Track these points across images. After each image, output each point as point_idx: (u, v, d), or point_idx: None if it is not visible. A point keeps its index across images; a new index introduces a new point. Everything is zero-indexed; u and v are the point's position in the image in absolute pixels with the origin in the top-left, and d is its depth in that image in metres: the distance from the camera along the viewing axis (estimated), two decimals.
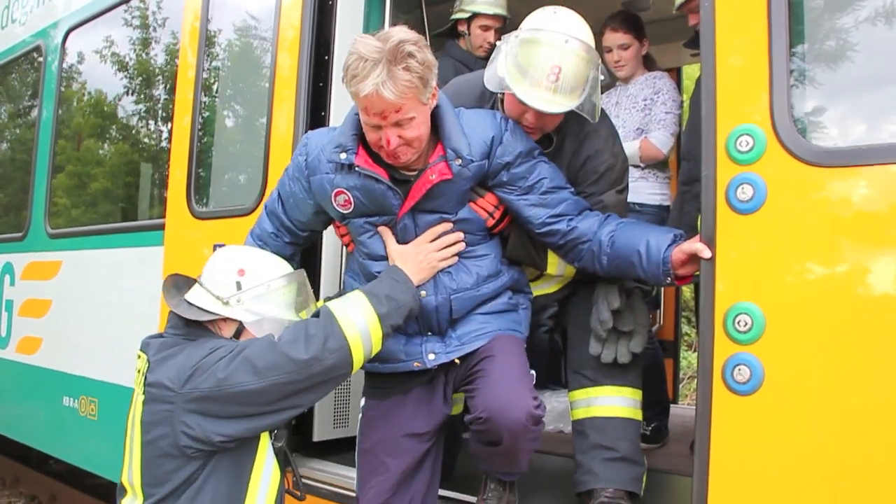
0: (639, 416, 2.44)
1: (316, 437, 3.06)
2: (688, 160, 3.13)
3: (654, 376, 3.52)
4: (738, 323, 1.86)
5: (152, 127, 4.62)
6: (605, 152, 2.40)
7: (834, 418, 1.74)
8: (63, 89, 4.91)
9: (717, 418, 1.89)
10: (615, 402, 2.41)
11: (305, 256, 2.82)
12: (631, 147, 3.41)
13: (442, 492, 2.49)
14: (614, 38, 3.54)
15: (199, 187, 3.56)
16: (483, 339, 2.26)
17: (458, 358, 2.27)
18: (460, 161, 2.11)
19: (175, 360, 2.01)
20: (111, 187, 4.94)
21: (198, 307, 2.11)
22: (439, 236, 2.23)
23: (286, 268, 2.25)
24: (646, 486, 2.42)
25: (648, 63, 3.68)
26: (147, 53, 4.55)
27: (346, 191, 2.21)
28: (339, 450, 3.02)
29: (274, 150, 3.14)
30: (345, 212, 2.24)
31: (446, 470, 2.54)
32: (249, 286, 2.12)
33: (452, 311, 2.26)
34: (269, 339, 2.01)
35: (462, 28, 3.87)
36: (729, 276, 1.90)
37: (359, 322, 2.02)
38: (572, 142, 2.40)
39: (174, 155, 3.67)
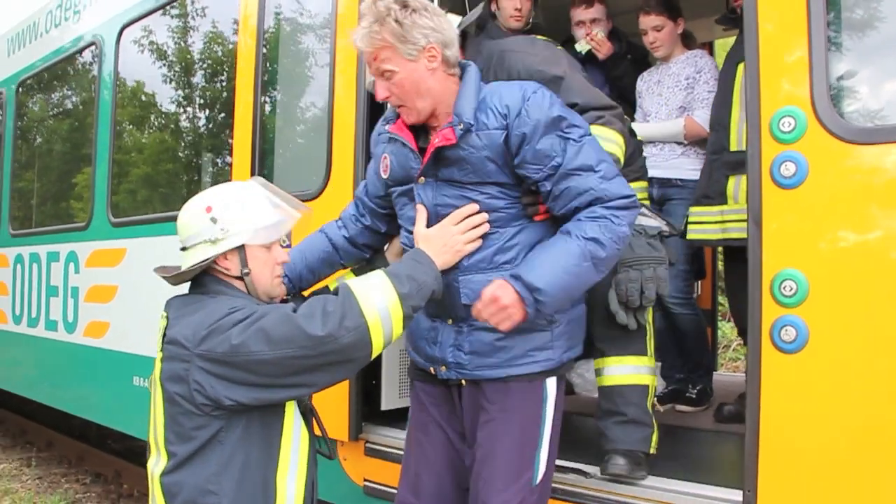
0: (645, 380, 2.62)
1: (384, 407, 3.27)
2: (716, 130, 3.19)
3: (697, 342, 3.71)
4: (784, 288, 2.03)
5: (211, 116, 4.78)
6: None
7: (873, 374, 1.92)
8: (119, 84, 5.10)
9: (766, 376, 2.07)
10: (619, 370, 2.62)
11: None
12: (675, 125, 3.57)
13: None
14: (647, 20, 3.63)
15: (261, 173, 3.70)
16: (496, 371, 2.17)
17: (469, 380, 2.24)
18: (462, 125, 2.06)
19: (192, 318, 1.96)
20: (171, 177, 5.13)
21: (194, 263, 2.04)
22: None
23: (244, 183, 2.20)
24: (657, 444, 2.61)
25: (688, 41, 3.75)
26: (203, 45, 4.68)
27: (387, 155, 2.33)
28: (405, 418, 3.18)
29: (337, 134, 3.29)
30: (385, 177, 2.34)
31: None
32: (222, 213, 2.05)
33: (461, 295, 2.17)
34: (286, 311, 1.93)
35: (493, 7, 3.86)
36: (774, 245, 2.07)
37: (378, 301, 1.94)
38: None
39: (237, 142, 3.83)
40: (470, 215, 2.12)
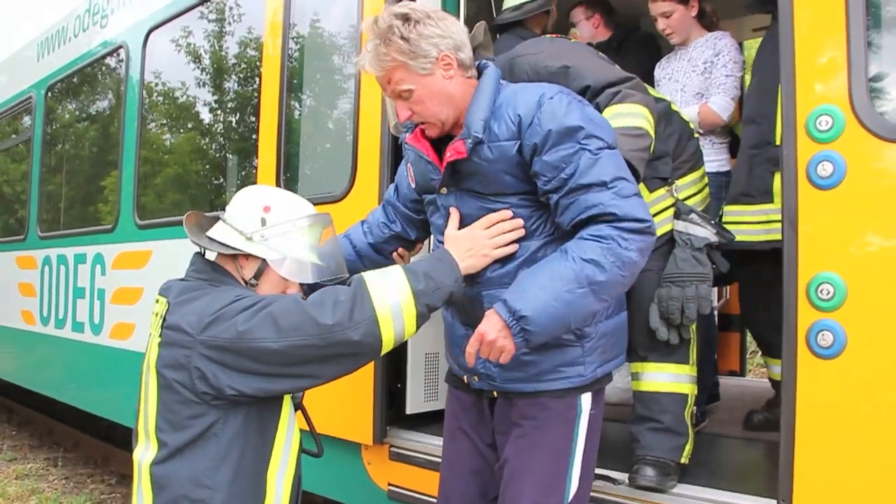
0: (684, 389, 2.57)
1: (408, 411, 3.24)
2: (758, 123, 2.90)
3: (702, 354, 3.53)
4: (821, 291, 1.97)
5: (236, 120, 4.79)
6: None
7: None
8: (146, 87, 5.12)
9: (801, 382, 2.01)
10: (658, 377, 2.57)
11: None
12: (690, 112, 3.30)
13: None
14: (655, 7, 3.45)
15: (287, 177, 3.72)
16: (525, 385, 2.07)
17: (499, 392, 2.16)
18: (471, 139, 1.95)
19: (196, 305, 1.90)
20: (197, 179, 5.15)
21: (220, 242, 2.02)
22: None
23: (312, 209, 2.15)
24: (690, 454, 2.56)
25: (708, 21, 3.54)
26: (229, 49, 4.70)
27: (411, 165, 2.27)
28: (430, 422, 3.18)
29: (362, 136, 3.27)
30: (413, 186, 2.28)
31: None
32: (274, 223, 2.03)
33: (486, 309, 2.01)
34: (296, 298, 1.90)
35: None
36: (811, 247, 2.01)
37: (391, 296, 1.88)
38: None
39: (262, 145, 3.83)
40: (503, 220, 2.02)
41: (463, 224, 2.09)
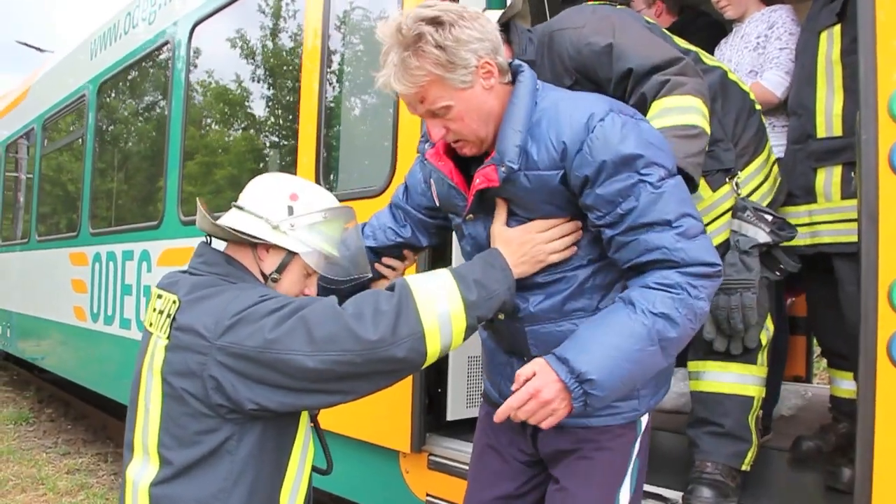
0: (750, 391, 2.36)
1: (449, 417, 3.09)
2: (797, 114, 2.68)
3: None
4: None
5: (279, 114, 4.71)
6: None
7: None
8: (191, 82, 5.09)
9: (881, 397, 1.77)
10: (721, 377, 2.37)
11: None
12: None
13: None
14: None
15: (327, 171, 3.63)
16: (575, 420, 1.76)
17: None
18: (505, 168, 1.67)
19: (212, 303, 1.68)
20: (240, 174, 5.10)
21: (242, 232, 1.78)
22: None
23: (336, 200, 1.93)
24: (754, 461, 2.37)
25: None
26: (272, 42, 4.63)
27: (433, 183, 1.98)
28: (472, 429, 3.00)
29: (402, 131, 3.16)
30: (437, 205, 2.01)
31: None
32: (302, 212, 1.82)
33: (530, 346, 1.84)
34: (332, 304, 1.66)
35: None
36: (894, 246, 1.78)
37: (440, 307, 1.65)
38: None
39: (301, 140, 3.75)
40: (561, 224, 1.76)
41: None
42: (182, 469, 1.67)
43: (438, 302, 1.66)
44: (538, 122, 1.69)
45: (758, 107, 2.55)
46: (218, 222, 1.82)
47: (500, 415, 1.62)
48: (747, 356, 2.35)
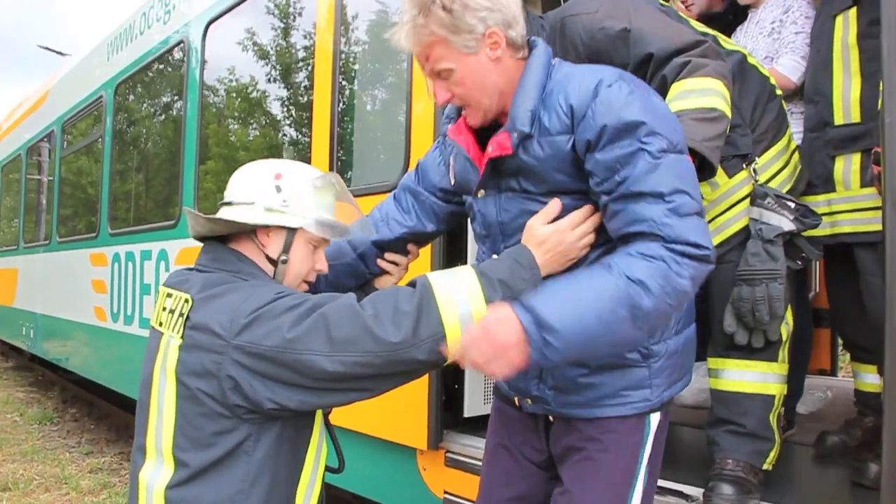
0: (771, 390, 2.30)
1: (466, 414, 3.06)
2: (814, 101, 2.65)
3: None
4: None
5: (293, 111, 4.70)
6: None
7: None
8: (206, 80, 5.10)
9: None
10: (742, 376, 2.31)
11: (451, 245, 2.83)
12: None
13: None
14: None
15: (340, 167, 3.62)
16: (582, 410, 1.80)
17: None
18: (517, 133, 1.67)
19: (226, 301, 1.64)
20: None
21: (238, 222, 1.75)
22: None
23: (318, 171, 1.90)
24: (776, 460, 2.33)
25: None
26: (285, 40, 4.63)
27: (452, 161, 1.96)
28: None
29: (415, 125, 3.13)
30: (453, 184, 1.98)
31: None
32: (290, 187, 1.79)
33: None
34: (351, 303, 1.61)
35: None
36: None
37: (462, 307, 1.59)
38: None
39: (315, 134, 3.74)
40: (586, 219, 1.72)
41: (503, 233, 1.83)
42: (198, 471, 1.64)
43: (460, 302, 1.60)
44: (550, 92, 1.68)
45: (778, 92, 2.49)
46: (219, 215, 1.79)
47: (461, 355, 1.55)
48: (768, 352, 2.29)
